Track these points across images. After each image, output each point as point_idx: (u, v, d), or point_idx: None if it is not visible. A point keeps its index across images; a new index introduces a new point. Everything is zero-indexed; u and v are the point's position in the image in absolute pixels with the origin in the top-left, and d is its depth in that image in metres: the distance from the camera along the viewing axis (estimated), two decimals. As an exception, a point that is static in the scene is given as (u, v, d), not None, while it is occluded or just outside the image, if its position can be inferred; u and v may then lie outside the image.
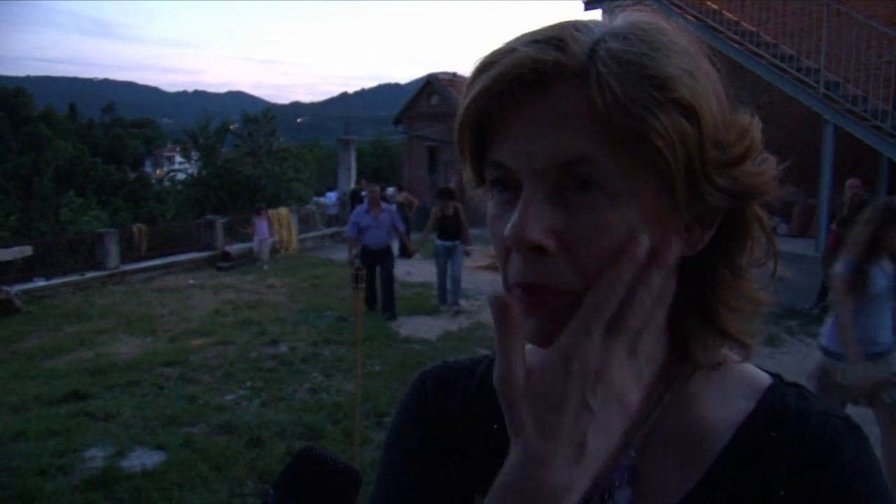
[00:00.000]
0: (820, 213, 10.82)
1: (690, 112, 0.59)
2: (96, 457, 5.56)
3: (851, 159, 10.76)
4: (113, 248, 15.10)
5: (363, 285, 5.12)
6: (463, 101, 0.64)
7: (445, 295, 10.91)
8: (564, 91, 0.60)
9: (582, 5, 13.63)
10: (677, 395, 0.71)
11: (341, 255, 18.28)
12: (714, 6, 12.46)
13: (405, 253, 11.19)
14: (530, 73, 0.60)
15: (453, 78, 27.98)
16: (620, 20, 0.63)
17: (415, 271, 14.81)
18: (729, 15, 12.26)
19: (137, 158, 78.81)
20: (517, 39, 0.62)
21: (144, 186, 51.85)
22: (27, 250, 13.72)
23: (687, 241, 0.65)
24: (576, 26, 0.62)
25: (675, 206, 0.62)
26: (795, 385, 0.74)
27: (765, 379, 0.74)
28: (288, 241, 19.60)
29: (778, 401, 0.71)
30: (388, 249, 10.83)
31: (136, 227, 16.78)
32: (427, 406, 0.85)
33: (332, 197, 24.48)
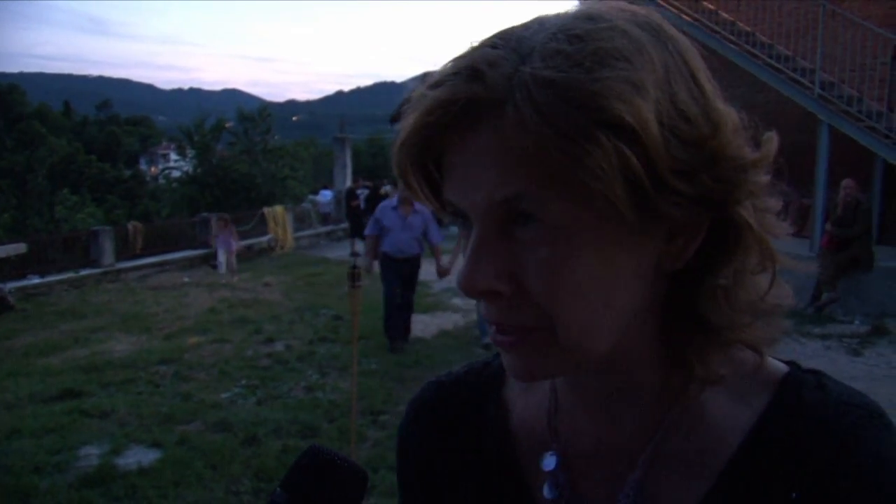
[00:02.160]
0: (815, 213, 10.85)
1: (629, 132, 0.52)
2: (91, 454, 5.56)
3: (846, 160, 10.79)
4: (108, 246, 15.07)
5: (360, 283, 5.06)
6: (393, 147, 0.61)
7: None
8: (487, 127, 0.55)
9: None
10: (684, 409, 0.66)
11: (336, 253, 18.28)
12: (710, 6, 12.47)
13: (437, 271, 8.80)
14: (443, 117, 0.56)
15: (449, 77, 27.91)
16: (556, 21, 0.57)
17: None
18: (725, 15, 12.27)
19: (132, 156, 78.47)
20: (440, 70, 0.58)
21: (139, 184, 51.77)
22: (21, 248, 13.70)
23: (668, 254, 0.59)
24: (499, 44, 0.56)
25: (635, 226, 0.56)
26: (814, 372, 0.67)
27: (779, 370, 0.68)
28: (283, 240, 19.58)
29: (791, 394, 0.65)
30: (415, 262, 8.67)
31: (131, 225, 16.77)
32: (415, 438, 0.83)
33: (327, 195, 24.46)
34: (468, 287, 0.58)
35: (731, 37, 11.82)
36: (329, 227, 22.90)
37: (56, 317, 11.21)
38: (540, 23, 0.57)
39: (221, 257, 15.29)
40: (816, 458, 0.60)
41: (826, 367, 0.68)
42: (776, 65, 11.41)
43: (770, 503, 0.62)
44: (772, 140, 0.61)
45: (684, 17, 11.90)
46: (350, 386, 5.28)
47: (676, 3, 12.28)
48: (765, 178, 0.60)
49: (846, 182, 9.90)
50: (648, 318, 0.63)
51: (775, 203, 0.63)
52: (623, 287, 0.59)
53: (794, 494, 0.61)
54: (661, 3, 12.00)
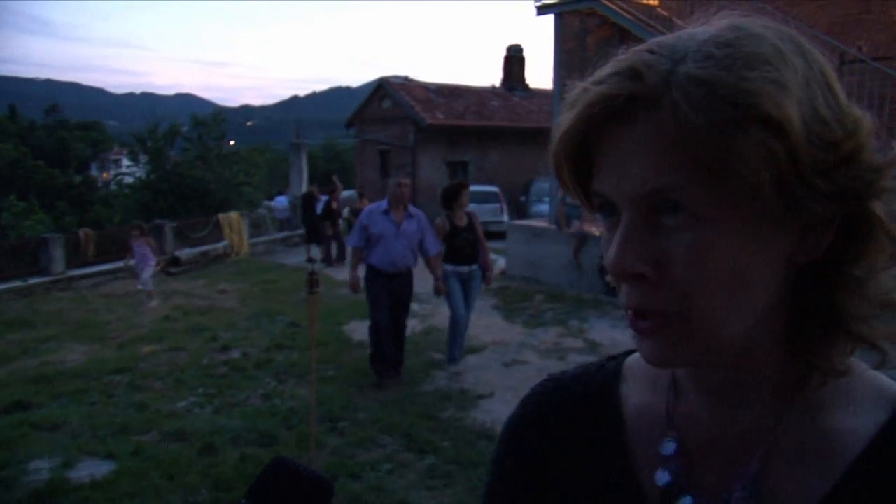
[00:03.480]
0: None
1: (776, 127, 0.57)
2: (42, 468, 5.42)
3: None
4: (58, 253, 14.80)
5: (318, 289, 4.99)
6: (551, 140, 0.67)
7: (459, 346, 7.83)
8: (644, 121, 0.60)
9: (534, 10, 13.72)
10: (802, 406, 0.69)
11: (293, 259, 18.14)
12: (664, 13, 12.67)
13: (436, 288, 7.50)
14: (605, 110, 0.61)
15: (405, 82, 27.99)
16: (705, 32, 0.62)
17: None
18: (679, 21, 12.46)
19: (83, 161, 77.12)
20: (601, 71, 0.64)
21: (90, 190, 50.86)
22: (-33, 256, 13.36)
23: (802, 247, 0.63)
24: (656, 49, 0.62)
25: (776, 219, 0.61)
26: None
27: None
28: (239, 246, 19.41)
29: None
30: (408, 277, 7.33)
31: (82, 232, 16.47)
32: (530, 429, 0.86)
33: (283, 201, 24.32)
34: (617, 270, 0.63)
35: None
36: (285, 234, 22.73)
37: (3, 327, 10.93)
38: (690, 34, 0.63)
39: (145, 274, 12.79)
40: None
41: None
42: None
43: None
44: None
45: (640, 23, 12.06)
46: (307, 393, 5.24)
47: (632, 11, 12.46)
48: (894, 182, 0.64)
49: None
50: (778, 310, 0.66)
51: None
52: (760, 276, 0.63)
53: None
54: (618, 9, 12.16)
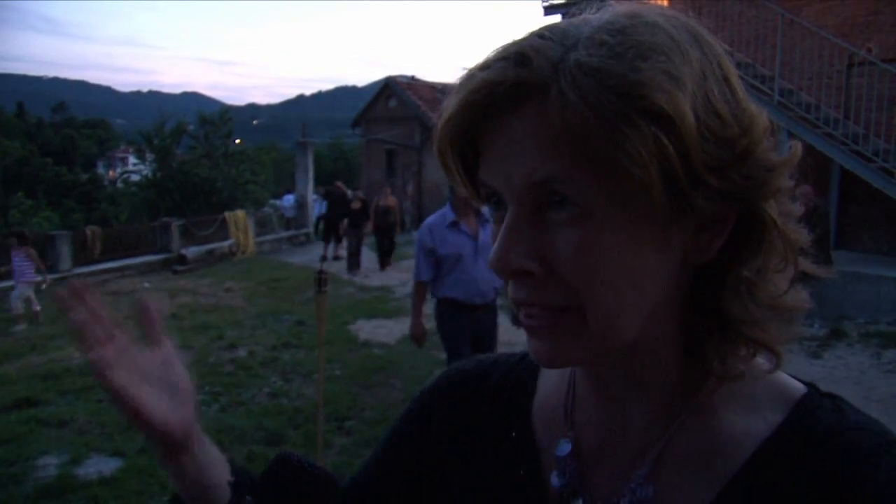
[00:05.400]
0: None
1: (667, 121, 0.54)
2: (50, 465, 5.43)
3: (804, 166, 10.97)
4: (65, 251, 14.84)
5: (326, 289, 4.93)
6: (436, 127, 0.63)
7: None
8: (531, 110, 0.57)
9: (542, 9, 13.70)
10: (695, 411, 0.67)
11: (299, 258, 18.13)
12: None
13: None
14: (489, 97, 0.58)
15: (412, 81, 27.99)
16: (600, 18, 0.59)
17: (373, 275, 14.81)
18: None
19: (89, 159, 77.32)
20: (488, 56, 0.60)
21: (97, 188, 50.93)
22: (-26, 252, 13.36)
23: (695, 247, 0.61)
24: (546, 35, 0.59)
25: (667, 217, 0.58)
26: (831, 396, 0.67)
27: (797, 390, 0.68)
28: (245, 245, 19.44)
29: (809, 414, 0.64)
30: (494, 308, 5.40)
31: (89, 230, 16.50)
32: (443, 404, 0.86)
33: (290, 199, 24.33)
34: (500, 266, 0.60)
35: (692, 44, 11.94)
36: (291, 232, 22.75)
37: (10, 323, 10.96)
38: (585, 20, 0.60)
39: (17, 291, 11.14)
40: (830, 482, 0.60)
41: (787, 369, 0.68)
42: (736, 72, 11.58)
43: None
44: (797, 147, 0.64)
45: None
46: (314, 392, 5.23)
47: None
48: (788, 182, 0.62)
49: (804, 189, 10.04)
50: (672, 310, 0.64)
51: (797, 209, 0.64)
52: (650, 275, 0.60)
53: None
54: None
